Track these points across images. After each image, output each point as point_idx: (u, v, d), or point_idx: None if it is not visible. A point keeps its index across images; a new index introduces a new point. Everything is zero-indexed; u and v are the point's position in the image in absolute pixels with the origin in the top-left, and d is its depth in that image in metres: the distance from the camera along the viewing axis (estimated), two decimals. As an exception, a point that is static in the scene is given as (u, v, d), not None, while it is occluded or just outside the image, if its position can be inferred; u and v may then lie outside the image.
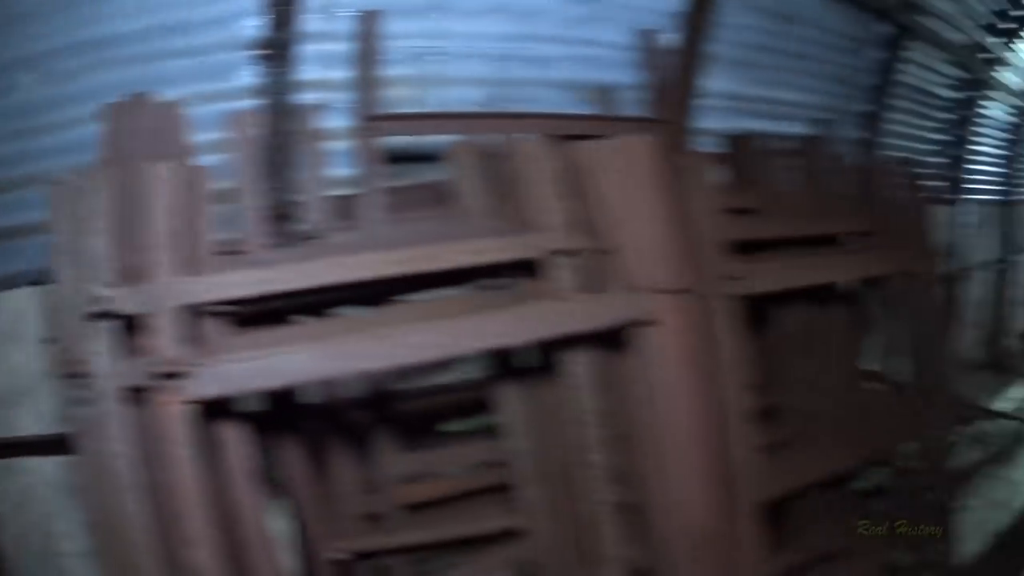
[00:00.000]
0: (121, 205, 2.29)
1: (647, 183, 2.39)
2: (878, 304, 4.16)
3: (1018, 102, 10.56)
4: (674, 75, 4.84)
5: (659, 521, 2.62)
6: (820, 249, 3.88)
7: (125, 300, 2.00)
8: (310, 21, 3.60)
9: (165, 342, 1.98)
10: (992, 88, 9.50)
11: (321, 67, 3.76)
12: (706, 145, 5.02)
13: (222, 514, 2.25)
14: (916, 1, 6.68)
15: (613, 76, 4.61)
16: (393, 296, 2.97)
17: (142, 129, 2.98)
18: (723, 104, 5.50)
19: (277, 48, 3.45)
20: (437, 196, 3.38)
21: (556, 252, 2.52)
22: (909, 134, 8.53)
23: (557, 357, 2.66)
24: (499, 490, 3.34)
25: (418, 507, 3.56)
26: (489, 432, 3.46)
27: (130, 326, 2.09)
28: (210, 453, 2.22)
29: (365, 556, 3.35)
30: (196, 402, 1.96)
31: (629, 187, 2.39)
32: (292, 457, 3.21)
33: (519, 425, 3.04)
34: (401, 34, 3.90)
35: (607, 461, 2.67)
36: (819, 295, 4.10)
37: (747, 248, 3.59)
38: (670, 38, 4.84)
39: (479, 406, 3.46)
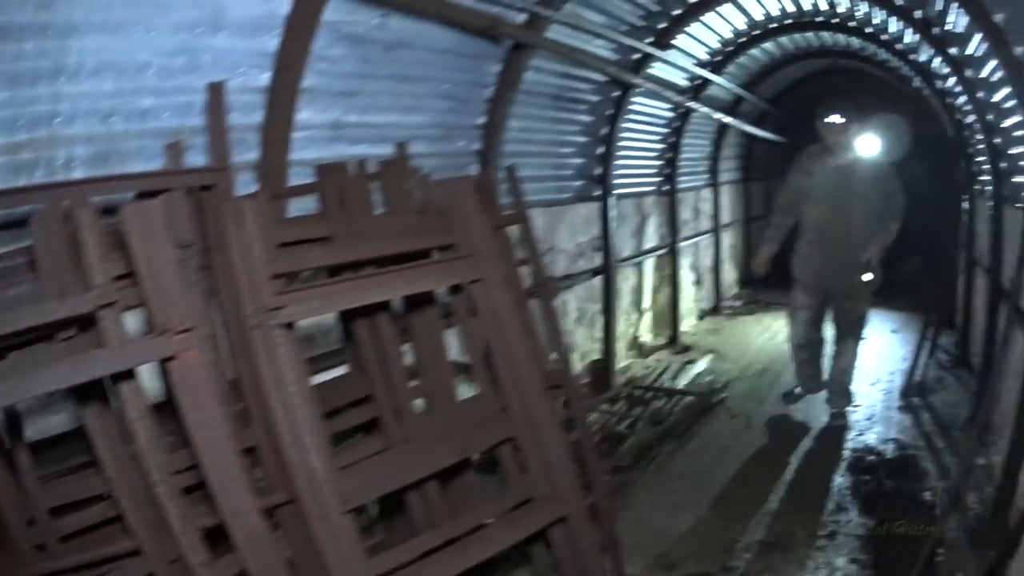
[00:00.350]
0: None
1: (159, 238, 2.92)
2: (465, 308, 4.69)
3: (678, 98, 11.55)
4: (268, 113, 5.38)
5: (229, 529, 3.12)
6: (402, 265, 4.26)
7: None
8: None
9: None
10: (640, 87, 10.39)
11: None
12: (301, 176, 5.58)
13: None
14: (539, 14, 7.30)
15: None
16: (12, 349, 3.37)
17: None
18: (323, 134, 6.03)
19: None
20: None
21: (102, 306, 3.02)
22: (540, 139, 9.35)
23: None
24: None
25: (78, 533, 3.86)
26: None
27: None
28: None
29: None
30: None
31: (149, 243, 2.92)
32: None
33: (108, 453, 3.49)
34: (20, 101, 4.19)
35: (173, 480, 3.16)
36: (418, 305, 4.72)
37: (333, 272, 4.27)
38: (262, 78, 5.36)
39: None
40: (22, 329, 2.98)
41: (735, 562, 6.27)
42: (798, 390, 9.98)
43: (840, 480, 7.69)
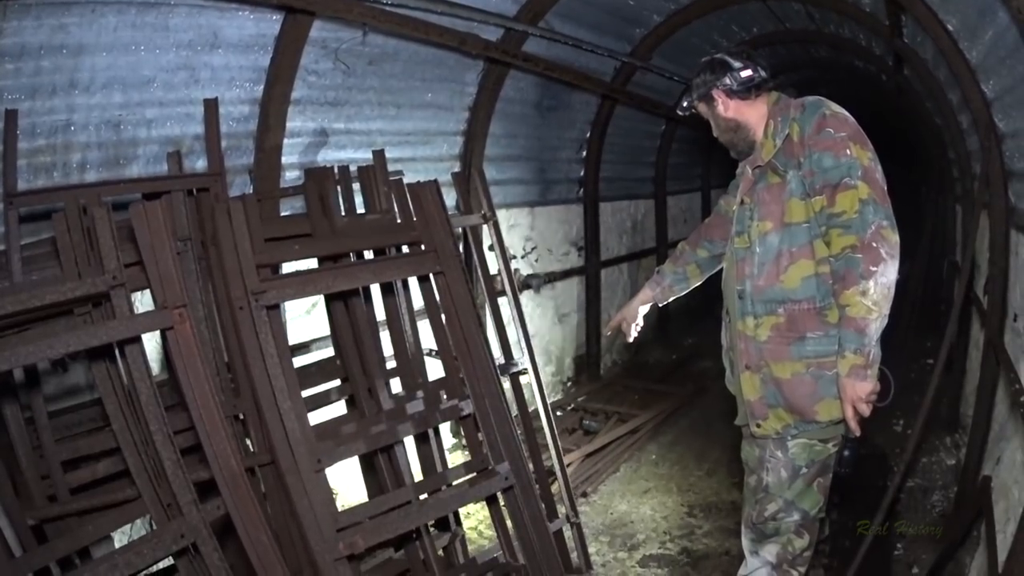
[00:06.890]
0: None
1: (161, 232, 3.65)
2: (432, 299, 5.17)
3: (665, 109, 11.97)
4: (261, 122, 6.10)
5: (213, 472, 3.78)
6: (370, 259, 5.11)
7: None
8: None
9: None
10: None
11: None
12: (294, 179, 6.35)
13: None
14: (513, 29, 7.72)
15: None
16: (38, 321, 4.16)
17: None
18: (312, 140, 6.72)
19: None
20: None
21: (114, 287, 3.76)
22: (524, 144, 9.87)
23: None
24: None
25: (86, 487, 4.48)
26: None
27: None
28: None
29: (49, 521, 4.28)
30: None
31: (151, 237, 3.64)
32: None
33: (115, 410, 4.12)
34: (39, 111, 4.78)
35: (168, 430, 3.74)
36: (392, 296, 5.35)
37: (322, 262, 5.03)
38: (256, 90, 6.04)
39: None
40: (47, 304, 3.66)
41: (695, 546, 6.71)
42: None
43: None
